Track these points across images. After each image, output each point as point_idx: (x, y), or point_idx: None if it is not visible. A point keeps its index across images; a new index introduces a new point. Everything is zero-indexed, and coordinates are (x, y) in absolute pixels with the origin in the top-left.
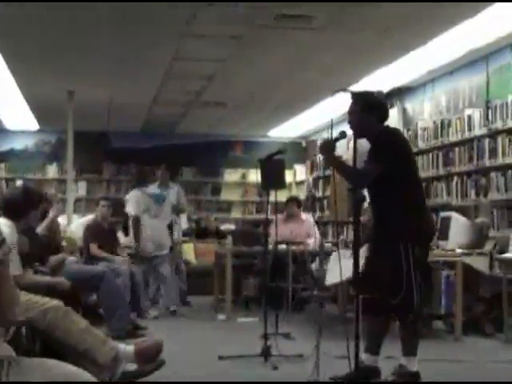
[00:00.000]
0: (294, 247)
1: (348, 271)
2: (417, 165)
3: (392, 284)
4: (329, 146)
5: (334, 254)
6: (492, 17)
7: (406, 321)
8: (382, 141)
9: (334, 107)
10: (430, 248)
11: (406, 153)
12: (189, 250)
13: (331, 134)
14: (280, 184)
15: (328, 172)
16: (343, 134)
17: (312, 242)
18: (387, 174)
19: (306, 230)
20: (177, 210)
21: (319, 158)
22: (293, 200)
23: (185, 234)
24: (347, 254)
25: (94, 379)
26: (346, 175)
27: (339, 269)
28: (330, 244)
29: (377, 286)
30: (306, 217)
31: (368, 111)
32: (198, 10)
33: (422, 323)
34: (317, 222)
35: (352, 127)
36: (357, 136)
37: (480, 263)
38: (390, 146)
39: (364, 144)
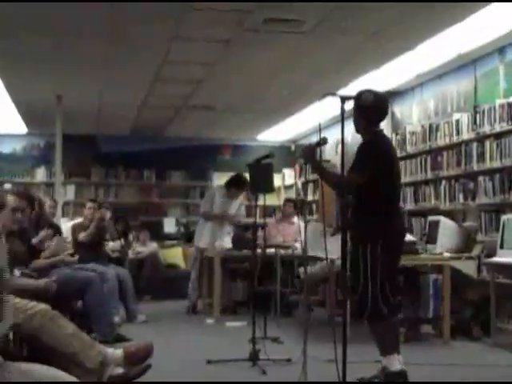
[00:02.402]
0: (282, 251)
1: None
2: (398, 170)
3: (353, 283)
4: (309, 152)
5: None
6: (480, 21)
7: (363, 319)
8: (368, 150)
9: (323, 111)
10: (400, 251)
11: (388, 164)
12: (177, 254)
13: (319, 138)
14: (268, 188)
15: (315, 176)
16: (324, 140)
17: (299, 246)
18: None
19: (295, 232)
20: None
21: (301, 162)
22: (290, 201)
23: (173, 237)
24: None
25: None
26: (330, 183)
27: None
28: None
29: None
30: (296, 220)
31: (364, 111)
32: (187, 14)
33: (397, 324)
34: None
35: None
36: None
37: (468, 267)
38: (375, 158)
39: (355, 147)
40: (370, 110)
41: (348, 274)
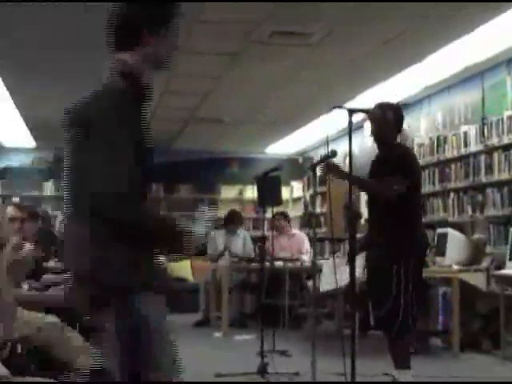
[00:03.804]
0: (290, 264)
1: (344, 279)
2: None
3: (379, 296)
4: (335, 168)
5: (329, 261)
6: (487, 33)
7: (392, 334)
8: (406, 155)
9: (331, 124)
10: (424, 263)
11: (419, 177)
12: (185, 267)
13: (328, 151)
14: (276, 201)
15: (323, 189)
16: (334, 153)
17: (307, 259)
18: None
19: (297, 245)
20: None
21: (311, 175)
22: (279, 214)
23: None
24: (342, 262)
25: None
26: (371, 189)
27: (334, 276)
28: (324, 261)
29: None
30: (297, 232)
31: (397, 125)
32: (193, 26)
33: (413, 338)
34: (311, 239)
35: (377, 136)
36: (378, 145)
37: (477, 279)
38: (414, 162)
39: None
40: (402, 121)
41: (366, 288)
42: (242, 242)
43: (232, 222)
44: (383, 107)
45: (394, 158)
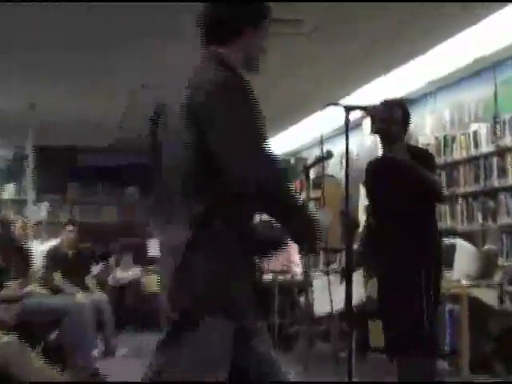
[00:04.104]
0: (280, 277)
1: (338, 302)
2: None
3: (399, 313)
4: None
5: (321, 281)
6: (499, 23)
7: (418, 354)
8: (431, 154)
9: (326, 122)
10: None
11: None
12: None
13: (322, 151)
14: None
15: (317, 194)
16: (329, 154)
17: (299, 270)
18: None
19: (286, 255)
20: None
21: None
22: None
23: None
24: (336, 279)
25: None
26: (429, 179)
27: (329, 297)
28: (318, 273)
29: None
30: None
31: (405, 123)
32: (178, 13)
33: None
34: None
35: (385, 136)
36: (386, 147)
37: (488, 296)
38: (434, 161)
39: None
40: (410, 118)
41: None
42: None
43: None
44: (389, 104)
45: (418, 158)
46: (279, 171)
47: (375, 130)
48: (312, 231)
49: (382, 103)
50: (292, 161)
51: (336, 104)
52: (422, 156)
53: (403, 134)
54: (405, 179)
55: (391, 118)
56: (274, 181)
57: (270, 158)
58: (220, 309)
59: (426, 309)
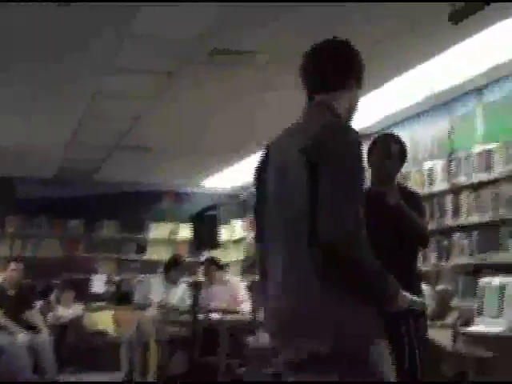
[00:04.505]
0: (228, 316)
1: None
2: None
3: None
4: None
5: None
6: (456, 58)
7: None
8: (417, 197)
9: None
10: None
11: None
12: (107, 318)
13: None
14: (213, 243)
15: None
16: None
17: (247, 308)
18: None
19: (232, 294)
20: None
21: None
22: (208, 261)
23: (103, 298)
24: None
25: None
26: (420, 225)
27: None
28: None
29: None
30: (231, 279)
31: (401, 160)
32: (124, 40)
33: None
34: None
35: (382, 174)
36: (380, 185)
37: (442, 337)
38: (422, 204)
39: None
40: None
41: None
42: (181, 294)
43: (175, 269)
44: (400, 140)
45: (408, 199)
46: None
47: (374, 161)
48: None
49: (378, 140)
50: (243, 196)
51: None
52: (412, 198)
53: (397, 172)
54: (393, 219)
55: (389, 153)
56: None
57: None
58: (379, 331)
59: (417, 357)
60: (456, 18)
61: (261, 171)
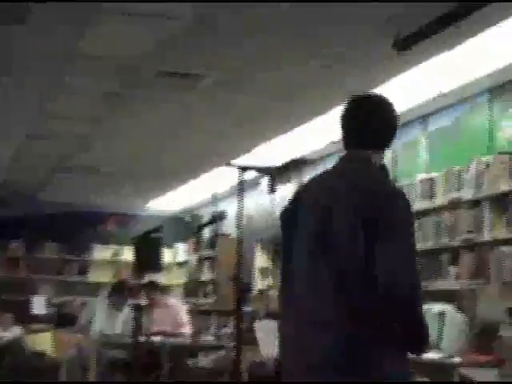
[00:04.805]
0: (170, 339)
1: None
2: None
3: None
4: None
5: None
6: (400, 86)
7: None
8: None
9: (224, 178)
10: None
11: None
12: (46, 340)
13: (212, 210)
14: (156, 266)
15: (212, 252)
16: (222, 216)
17: (187, 331)
18: None
19: (173, 317)
20: None
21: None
22: (151, 284)
23: (43, 320)
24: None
25: None
26: None
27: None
28: (210, 337)
29: None
30: (172, 302)
31: None
32: (70, 60)
33: None
34: (190, 310)
35: None
36: None
37: None
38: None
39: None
40: None
41: None
42: (124, 319)
43: (119, 295)
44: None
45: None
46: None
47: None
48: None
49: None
50: (187, 218)
51: (229, 164)
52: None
53: None
54: None
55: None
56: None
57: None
58: None
59: None
60: (400, 47)
61: (294, 211)
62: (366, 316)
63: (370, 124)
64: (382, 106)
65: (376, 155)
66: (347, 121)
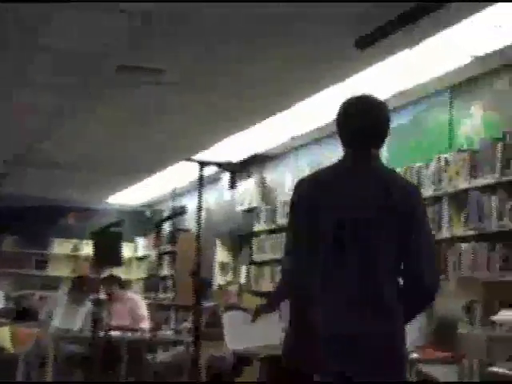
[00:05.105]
0: (128, 334)
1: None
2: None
3: None
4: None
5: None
6: (363, 83)
7: None
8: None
9: (185, 173)
10: None
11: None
12: (4, 335)
13: (172, 208)
14: (115, 261)
15: (172, 247)
16: (182, 211)
17: (147, 326)
18: None
19: (132, 311)
20: None
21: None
22: (110, 278)
23: (0, 315)
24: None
25: None
26: None
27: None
28: (169, 332)
29: None
30: (132, 296)
31: None
32: (30, 53)
33: None
34: (150, 305)
35: None
36: None
37: None
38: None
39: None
40: None
41: None
42: (84, 315)
43: (80, 289)
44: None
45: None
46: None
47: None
48: None
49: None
50: (147, 213)
51: (190, 159)
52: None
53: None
54: None
55: None
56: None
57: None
58: None
59: None
60: (362, 45)
61: (311, 200)
62: (402, 298)
63: (380, 124)
64: (384, 107)
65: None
66: (355, 121)
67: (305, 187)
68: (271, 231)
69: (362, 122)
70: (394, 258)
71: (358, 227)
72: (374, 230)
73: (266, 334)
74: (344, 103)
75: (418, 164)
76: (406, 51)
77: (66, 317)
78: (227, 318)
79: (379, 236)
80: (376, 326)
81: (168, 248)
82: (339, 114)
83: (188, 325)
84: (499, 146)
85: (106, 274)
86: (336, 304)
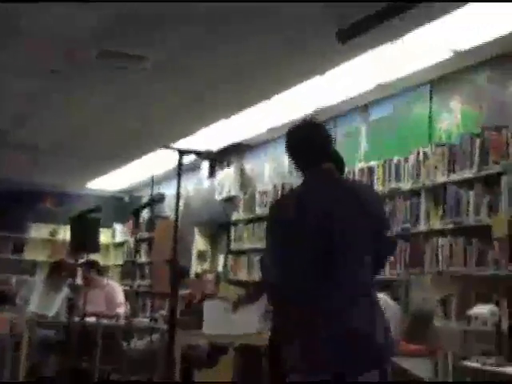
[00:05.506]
0: (104, 320)
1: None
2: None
3: None
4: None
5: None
6: (342, 76)
7: None
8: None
9: (165, 160)
10: None
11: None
12: None
13: (151, 195)
14: (93, 247)
15: (150, 234)
16: (160, 198)
17: (123, 313)
18: None
19: (110, 297)
20: None
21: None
22: (87, 264)
23: None
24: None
25: None
26: None
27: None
28: (145, 319)
29: None
30: (109, 282)
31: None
32: (8, 37)
33: None
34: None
35: None
36: None
37: None
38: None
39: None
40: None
41: None
42: (61, 301)
43: (58, 275)
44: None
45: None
46: None
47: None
48: None
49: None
50: (126, 199)
51: (168, 147)
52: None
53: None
54: None
55: None
56: None
57: None
58: None
59: None
60: (343, 38)
61: (294, 210)
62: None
63: (330, 142)
64: (324, 126)
65: None
66: (312, 143)
67: (282, 206)
68: (249, 220)
69: (317, 140)
70: (370, 257)
71: (342, 234)
72: (355, 234)
73: (244, 323)
74: (293, 130)
75: (397, 157)
76: (387, 45)
77: (43, 302)
78: (207, 306)
79: (358, 240)
80: (359, 320)
81: (146, 235)
82: (292, 140)
83: (164, 312)
84: (477, 141)
85: (83, 259)
86: (317, 304)
